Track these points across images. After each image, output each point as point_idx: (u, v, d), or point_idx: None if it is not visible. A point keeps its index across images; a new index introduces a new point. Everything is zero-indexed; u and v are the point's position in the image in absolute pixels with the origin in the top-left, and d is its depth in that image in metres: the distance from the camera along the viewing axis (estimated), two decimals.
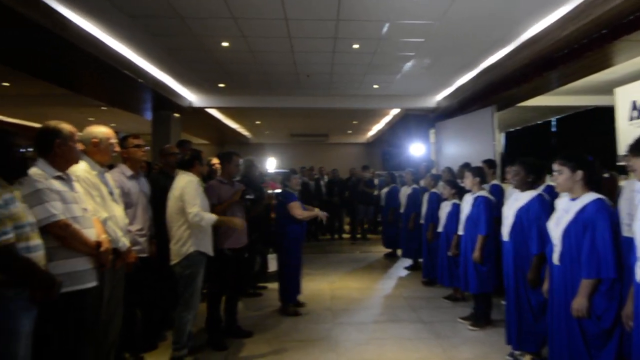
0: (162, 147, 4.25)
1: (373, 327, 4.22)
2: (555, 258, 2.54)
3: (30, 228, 2.01)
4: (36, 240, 2.03)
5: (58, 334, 2.23)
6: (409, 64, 6.53)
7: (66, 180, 2.40)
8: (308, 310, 4.72)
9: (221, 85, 7.76)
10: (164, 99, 7.44)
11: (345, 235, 10.10)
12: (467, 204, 4.21)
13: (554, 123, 11.87)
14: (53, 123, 2.41)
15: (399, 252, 7.42)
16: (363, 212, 9.56)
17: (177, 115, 8.57)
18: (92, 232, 2.42)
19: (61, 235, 2.23)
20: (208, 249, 3.38)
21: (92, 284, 2.39)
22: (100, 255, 2.42)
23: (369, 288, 5.72)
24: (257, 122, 12.78)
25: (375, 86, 7.99)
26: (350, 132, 15.07)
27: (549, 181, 3.90)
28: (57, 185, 2.30)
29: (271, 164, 13.09)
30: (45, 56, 5.13)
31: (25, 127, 10.76)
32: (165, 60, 6.25)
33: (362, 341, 3.85)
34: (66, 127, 2.42)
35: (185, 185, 3.28)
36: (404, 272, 6.61)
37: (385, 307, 4.86)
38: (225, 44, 5.56)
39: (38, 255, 2.02)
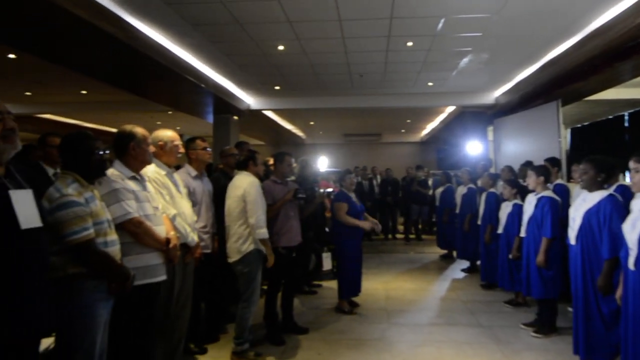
0: (223, 148, 4.44)
1: (429, 329, 4.15)
2: (631, 263, 2.37)
3: (108, 224, 2.17)
4: (113, 236, 2.19)
5: (131, 325, 2.39)
6: (465, 60, 6.34)
7: (139, 180, 2.58)
8: (363, 309, 4.72)
9: (277, 87, 7.95)
10: (224, 103, 7.75)
11: (399, 236, 9.98)
12: (529, 205, 4.02)
13: (626, 117, 10.99)
14: (129, 127, 2.58)
15: (455, 253, 7.23)
16: (417, 212, 9.41)
17: (236, 117, 8.89)
18: (162, 229, 2.57)
19: (135, 232, 2.39)
20: (264, 247, 3.48)
21: (162, 277, 2.54)
22: (169, 251, 2.56)
23: (424, 289, 5.62)
24: (311, 123, 12.93)
25: (430, 84, 7.83)
26: (403, 131, 14.85)
27: (622, 180, 3.64)
28: (131, 185, 2.47)
29: (323, 163, 13.19)
30: (117, 65, 5.53)
31: (101, 131, 11.68)
32: (225, 66, 6.51)
33: (417, 343, 3.81)
34: (140, 130, 2.58)
35: (248, 187, 3.37)
36: (461, 274, 6.43)
37: (442, 310, 4.76)
38: (281, 47, 5.69)
39: (114, 249, 2.18)
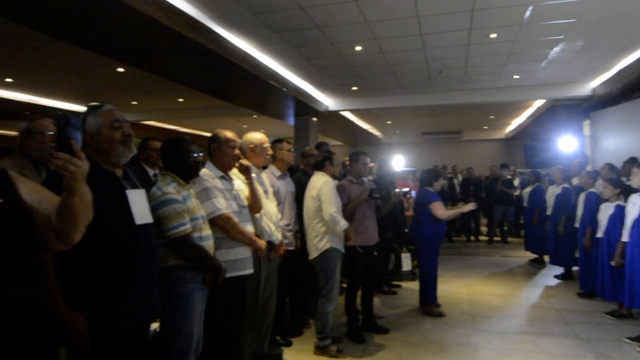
0: (303, 149, 4.58)
1: (518, 337, 3.92)
2: None
3: (202, 220, 2.36)
4: (207, 231, 2.37)
5: (223, 315, 2.56)
6: (556, 49, 5.88)
7: (227, 180, 2.77)
8: (444, 313, 4.59)
9: (354, 88, 8.00)
10: (304, 105, 7.98)
11: (482, 238, 9.52)
12: (633, 206, 3.64)
13: None
14: (216, 131, 2.78)
15: (546, 258, 6.72)
16: (501, 213, 8.89)
17: (315, 119, 9.11)
18: (249, 226, 2.74)
19: (224, 227, 2.56)
20: (340, 245, 3.54)
21: (250, 271, 2.71)
22: (255, 244, 2.72)
23: (511, 295, 5.31)
24: (388, 122, 12.81)
25: (516, 76, 7.38)
26: (486, 127, 14.14)
27: None
28: (220, 184, 2.66)
29: (399, 162, 12.96)
30: (209, 74, 5.96)
31: (195, 135, 12.69)
32: (304, 69, 6.71)
33: (505, 351, 3.61)
34: (222, 133, 2.74)
35: (322, 186, 3.46)
36: (554, 281, 5.97)
37: (532, 318, 4.46)
38: (358, 48, 5.73)
39: (209, 243, 2.35)
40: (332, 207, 3.40)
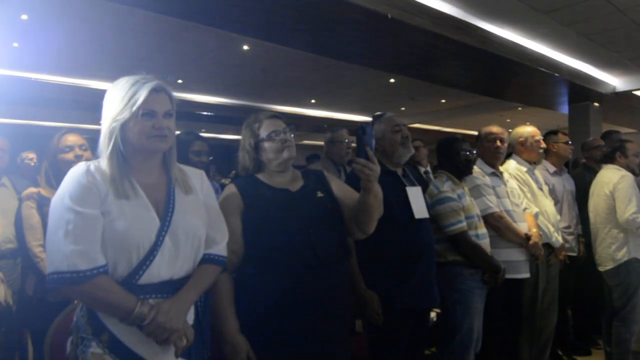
0: (585, 140, 4.00)
1: None
2: None
3: (478, 218, 2.38)
4: (483, 229, 2.38)
5: (499, 317, 2.50)
6: None
7: (499, 177, 2.69)
8: None
9: None
10: (581, 89, 6.93)
11: None
12: None
13: None
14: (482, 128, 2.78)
15: None
16: None
17: (596, 104, 7.78)
18: (523, 226, 2.58)
19: (496, 226, 2.49)
20: None
21: (525, 275, 2.55)
22: (530, 248, 2.53)
23: None
24: None
25: None
26: None
27: None
28: (491, 181, 2.61)
29: None
30: (473, 71, 5.93)
31: (462, 135, 12.89)
32: (582, 48, 5.81)
33: None
34: (483, 129, 2.75)
35: (618, 182, 2.91)
36: None
37: None
38: None
39: (485, 242, 2.35)
40: (631, 206, 2.81)
